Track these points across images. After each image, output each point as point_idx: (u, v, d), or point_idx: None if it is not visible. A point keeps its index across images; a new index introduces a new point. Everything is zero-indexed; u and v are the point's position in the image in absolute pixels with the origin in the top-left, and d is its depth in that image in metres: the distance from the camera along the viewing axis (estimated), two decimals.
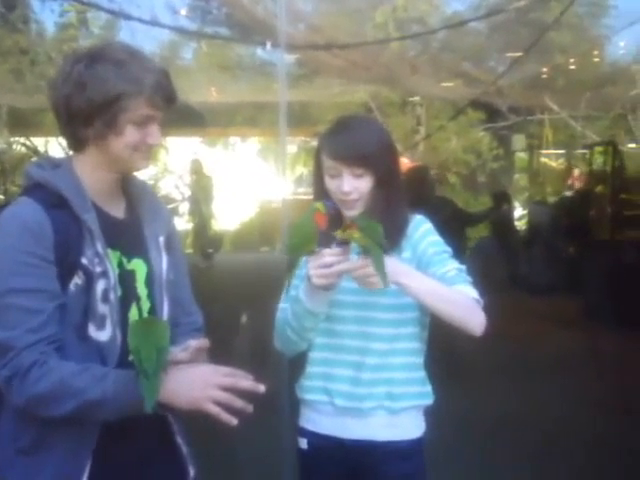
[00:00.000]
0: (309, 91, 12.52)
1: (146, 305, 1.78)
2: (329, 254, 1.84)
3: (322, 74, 12.10)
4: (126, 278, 1.74)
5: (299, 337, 2.05)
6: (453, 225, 6.06)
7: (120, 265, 1.74)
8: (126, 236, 1.78)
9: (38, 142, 13.74)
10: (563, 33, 10.63)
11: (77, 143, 1.73)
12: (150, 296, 1.79)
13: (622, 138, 12.14)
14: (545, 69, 10.38)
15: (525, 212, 12.71)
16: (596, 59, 10.98)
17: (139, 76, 1.65)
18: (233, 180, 16.81)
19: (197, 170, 12.39)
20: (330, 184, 2.02)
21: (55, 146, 12.56)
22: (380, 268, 1.79)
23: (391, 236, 1.97)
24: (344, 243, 1.85)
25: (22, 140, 13.77)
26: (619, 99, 11.49)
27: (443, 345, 3.99)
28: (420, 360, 2.12)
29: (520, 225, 12.35)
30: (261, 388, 1.63)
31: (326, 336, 2.07)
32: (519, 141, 13.22)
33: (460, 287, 1.95)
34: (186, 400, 1.61)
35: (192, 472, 1.86)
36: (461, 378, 5.48)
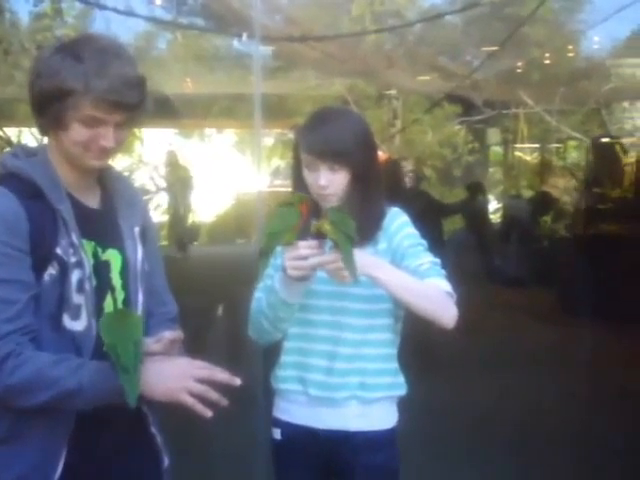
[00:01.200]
0: (285, 83, 12.51)
1: (121, 295, 1.77)
2: (304, 246, 1.84)
3: (298, 66, 12.10)
4: (101, 268, 1.74)
5: (274, 327, 2.05)
6: (429, 217, 6.13)
7: (95, 255, 1.73)
8: (101, 226, 1.77)
9: (11, 132, 13.59)
10: (538, 28, 10.70)
11: (42, 132, 1.74)
12: (125, 286, 1.78)
13: (595, 132, 12.23)
14: (520, 63, 10.44)
15: (500, 205, 12.80)
16: (571, 54, 11.06)
17: (90, 76, 1.61)
18: (209, 172, 16.73)
19: (172, 162, 12.21)
20: (308, 177, 2.03)
21: (28, 137, 12.46)
22: (349, 262, 1.80)
23: (367, 229, 1.99)
24: (319, 236, 1.85)
25: None
26: (593, 94, 11.59)
27: (419, 338, 4.02)
28: (393, 351, 2.13)
29: (495, 218, 12.43)
30: (237, 381, 1.62)
31: (300, 326, 2.08)
32: (494, 135, 13.32)
33: (433, 280, 1.96)
34: (161, 391, 1.61)
35: (166, 461, 1.87)
36: (437, 371, 5.52)
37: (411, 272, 1.96)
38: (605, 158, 9.48)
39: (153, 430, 1.83)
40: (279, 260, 1.98)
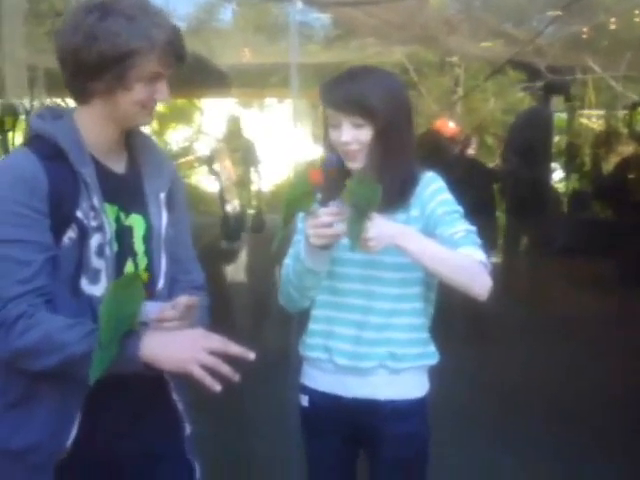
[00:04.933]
0: (344, 52, 12.37)
1: (143, 262, 1.76)
2: (325, 213, 1.81)
3: (357, 35, 11.94)
4: (123, 233, 1.73)
5: (301, 295, 2.03)
6: (480, 183, 6.03)
7: (118, 220, 1.73)
8: (125, 191, 1.77)
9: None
10: None
11: (83, 96, 1.70)
12: (147, 252, 1.77)
13: None
14: (586, 29, 10.09)
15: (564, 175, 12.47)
16: (638, 19, 10.63)
17: (151, 33, 1.62)
18: (269, 142, 16.70)
19: (234, 129, 10.48)
20: (332, 134, 1.98)
21: None
22: (352, 232, 1.75)
23: (394, 192, 1.94)
24: (342, 201, 1.82)
25: (59, 101, 13.83)
26: None
27: (464, 306, 3.97)
28: (425, 321, 2.08)
29: (559, 188, 12.10)
30: (251, 355, 1.58)
31: (329, 294, 2.04)
32: (558, 102, 12.94)
33: (466, 249, 1.88)
34: (171, 360, 1.58)
35: (188, 429, 1.86)
36: (479, 339, 5.47)
37: (444, 241, 1.89)
38: None
39: (175, 397, 1.82)
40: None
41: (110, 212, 1.70)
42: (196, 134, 15.58)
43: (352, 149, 1.95)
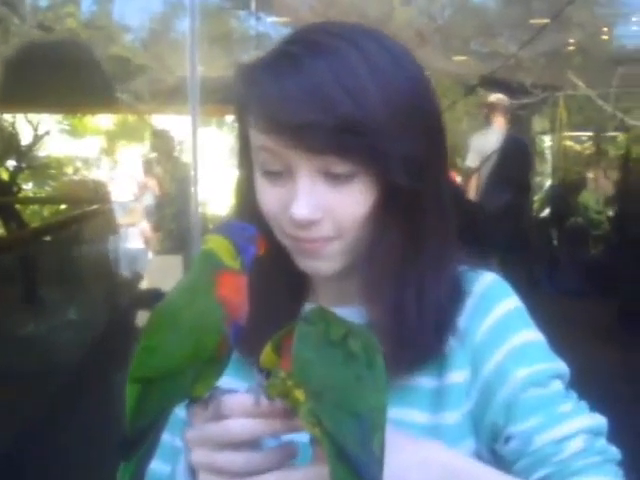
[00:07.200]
0: None
1: None
2: (239, 411, 0.71)
3: None
4: None
5: None
6: (467, 220, 4.93)
7: None
8: None
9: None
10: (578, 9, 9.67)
11: None
12: None
13: None
14: (572, 40, 9.40)
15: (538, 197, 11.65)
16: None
17: None
18: (220, 163, 15.53)
19: (166, 151, 8.50)
20: (266, 196, 0.87)
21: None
22: None
23: (410, 335, 0.82)
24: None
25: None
26: None
27: None
28: None
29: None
30: None
31: None
32: (540, 122, 12.13)
33: None
34: None
35: None
36: None
37: (537, 459, 0.79)
38: None
39: None
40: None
41: None
42: (147, 154, 14.51)
43: (318, 236, 0.83)
